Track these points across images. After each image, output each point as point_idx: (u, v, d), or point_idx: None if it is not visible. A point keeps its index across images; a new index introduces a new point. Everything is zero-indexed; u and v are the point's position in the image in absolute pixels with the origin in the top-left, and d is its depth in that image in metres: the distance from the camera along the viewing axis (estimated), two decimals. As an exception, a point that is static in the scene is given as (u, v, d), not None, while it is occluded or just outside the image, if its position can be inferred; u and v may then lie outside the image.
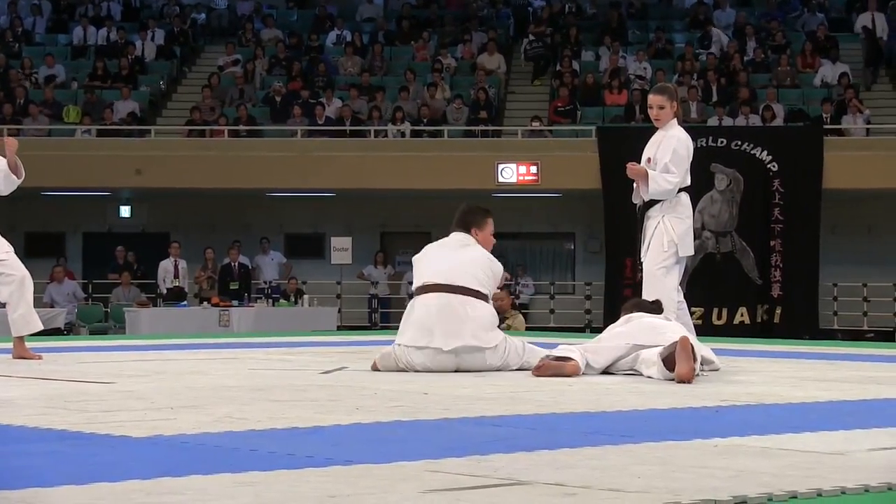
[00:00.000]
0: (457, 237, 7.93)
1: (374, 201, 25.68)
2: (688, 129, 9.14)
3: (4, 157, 8.94)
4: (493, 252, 8.03)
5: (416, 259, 7.98)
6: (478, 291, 7.64)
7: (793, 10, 30.10)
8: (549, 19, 29.55)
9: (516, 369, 7.65)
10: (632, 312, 7.72)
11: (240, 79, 27.19)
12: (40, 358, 8.70)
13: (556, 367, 7.19)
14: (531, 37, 28.32)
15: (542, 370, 7.23)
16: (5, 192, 9.05)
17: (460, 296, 7.59)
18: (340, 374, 7.54)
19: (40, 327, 9.03)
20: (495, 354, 7.63)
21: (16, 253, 8.95)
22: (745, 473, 3.61)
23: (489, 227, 7.99)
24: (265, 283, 24.03)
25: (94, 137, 25.40)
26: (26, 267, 8.95)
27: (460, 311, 7.56)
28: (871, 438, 4.46)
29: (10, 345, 9.01)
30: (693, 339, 7.15)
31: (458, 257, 7.75)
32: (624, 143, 19.77)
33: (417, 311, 7.68)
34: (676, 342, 6.76)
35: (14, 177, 8.92)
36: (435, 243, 8.07)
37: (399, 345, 7.65)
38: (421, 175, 23.78)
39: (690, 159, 8.82)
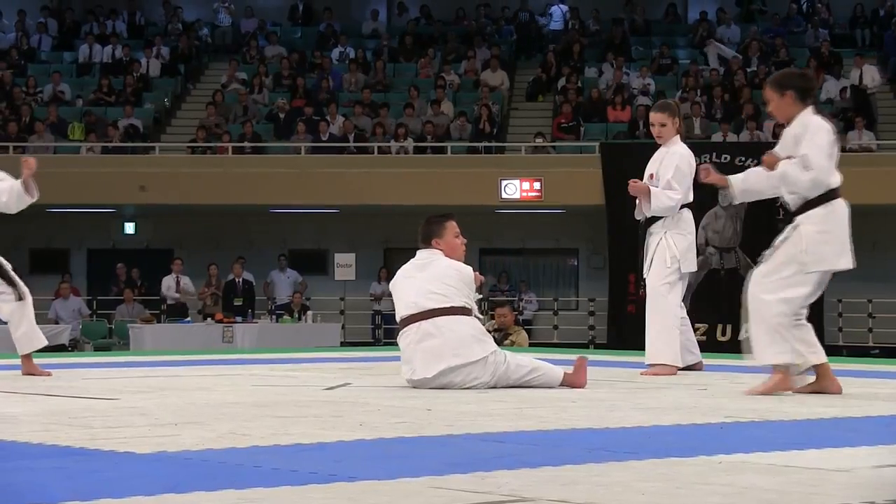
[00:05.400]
0: (421, 255, 7.79)
1: (377, 217, 25.69)
2: (691, 146, 9.16)
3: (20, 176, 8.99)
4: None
5: (391, 286, 7.91)
6: (450, 308, 7.52)
7: (796, 26, 30.12)
8: (553, 38, 29.60)
9: (519, 385, 7.55)
10: None
11: (243, 96, 27.23)
12: (49, 374, 8.71)
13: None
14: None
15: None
16: (14, 210, 9.07)
17: (433, 319, 7.50)
18: (344, 390, 7.53)
19: (44, 343, 9.05)
20: (483, 367, 7.48)
21: (21, 269, 8.97)
22: (750, 490, 3.60)
23: (450, 232, 7.78)
24: (270, 300, 24.00)
25: (99, 154, 25.45)
26: (31, 283, 8.98)
27: (436, 334, 7.48)
28: (877, 455, 4.45)
29: (12, 361, 9.04)
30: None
31: (422, 279, 7.63)
32: (627, 158, 19.76)
33: (401, 344, 7.71)
34: None
35: (27, 196, 8.96)
36: (404, 267, 7.88)
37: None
38: (424, 191, 23.77)
39: (693, 175, 8.82)
